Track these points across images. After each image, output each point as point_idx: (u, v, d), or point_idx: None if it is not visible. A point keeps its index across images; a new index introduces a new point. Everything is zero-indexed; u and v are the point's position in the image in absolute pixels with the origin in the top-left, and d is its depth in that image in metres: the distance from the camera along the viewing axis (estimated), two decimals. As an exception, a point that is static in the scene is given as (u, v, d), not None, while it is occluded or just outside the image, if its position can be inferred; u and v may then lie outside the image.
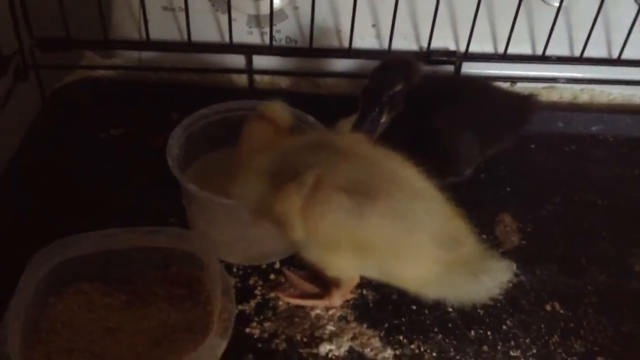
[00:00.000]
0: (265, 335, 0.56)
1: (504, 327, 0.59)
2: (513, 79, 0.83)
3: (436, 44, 0.80)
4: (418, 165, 0.52)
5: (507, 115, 0.71)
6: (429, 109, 0.68)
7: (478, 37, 0.79)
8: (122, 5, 0.79)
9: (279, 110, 0.59)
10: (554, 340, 0.58)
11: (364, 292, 0.60)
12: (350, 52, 0.79)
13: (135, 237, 0.56)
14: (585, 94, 0.85)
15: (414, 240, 0.49)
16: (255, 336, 0.56)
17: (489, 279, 0.50)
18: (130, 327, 0.53)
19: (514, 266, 0.56)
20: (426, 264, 0.49)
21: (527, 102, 0.72)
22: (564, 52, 0.83)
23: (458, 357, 0.56)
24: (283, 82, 0.83)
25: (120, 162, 0.72)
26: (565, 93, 0.85)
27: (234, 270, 0.61)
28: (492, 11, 0.81)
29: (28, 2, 0.74)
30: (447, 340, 0.57)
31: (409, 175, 0.51)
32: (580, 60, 0.81)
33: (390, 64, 0.67)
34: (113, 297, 0.55)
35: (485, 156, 0.71)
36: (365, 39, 0.80)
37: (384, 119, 0.64)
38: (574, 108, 0.84)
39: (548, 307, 0.61)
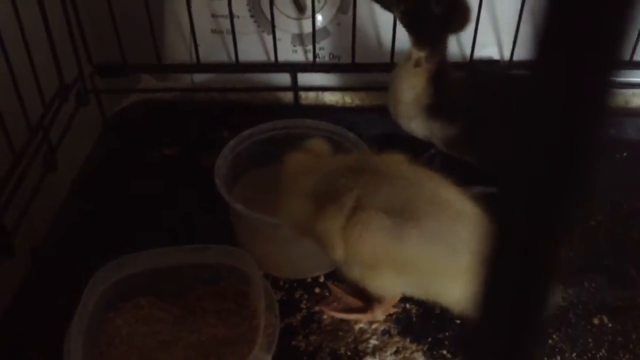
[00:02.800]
0: (311, 348, 0.58)
1: (550, 341, 0.59)
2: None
3: (479, 52, 0.80)
4: (462, 179, 0.53)
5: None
6: (487, 99, 0.67)
7: (522, 42, 0.79)
8: (174, 30, 0.83)
9: (320, 145, 0.60)
10: (601, 354, 0.57)
11: (407, 306, 0.61)
12: (392, 66, 0.80)
13: (186, 254, 0.60)
14: (637, 98, 0.83)
15: (457, 261, 0.49)
16: (301, 349, 0.58)
17: None
18: (182, 341, 0.56)
19: (561, 287, 0.56)
20: (469, 285, 0.50)
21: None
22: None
23: (501, 371, 0.56)
24: (327, 97, 0.85)
25: (173, 180, 0.76)
26: (616, 98, 0.83)
27: (281, 284, 0.64)
28: (536, 16, 0.80)
29: (85, 30, 0.79)
30: (490, 354, 0.58)
31: (450, 196, 0.52)
32: (631, 64, 0.79)
33: None
34: (167, 312, 0.58)
35: None
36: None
37: (416, 56, 0.65)
38: (626, 113, 0.82)
39: (596, 321, 0.60)
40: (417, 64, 0.65)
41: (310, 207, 0.52)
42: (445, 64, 0.67)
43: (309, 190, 0.54)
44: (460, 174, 0.54)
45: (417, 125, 0.68)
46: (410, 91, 0.66)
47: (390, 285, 0.53)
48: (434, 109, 0.66)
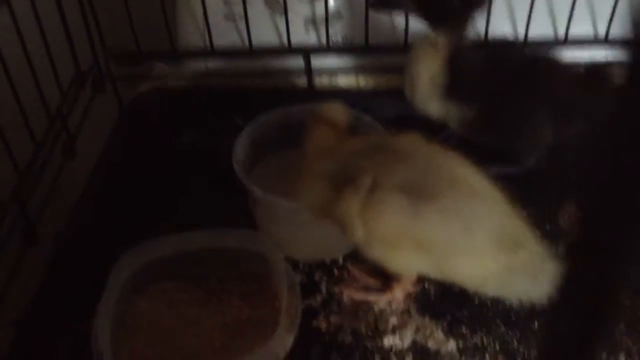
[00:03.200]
0: (332, 328, 0.59)
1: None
2: (576, 64, 0.82)
3: (494, 31, 0.80)
4: (478, 159, 0.53)
5: (584, 97, 0.68)
6: (503, 81, 0.67)
7: (536, 20, 0.78)
8: (187, 17, 0.83)
9: (337, 111, 0.61)
10: (620, 329, 0.58)
11: (426, 285, 0.62)
12: (406, 47, 0.80)
13: (208, 238, 0.61)
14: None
15: (472, 239, 0.50)
16: (322, 329, 0.59)
17: (548, 281, 0.50)
18: (207, 322, 0.57)
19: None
20: (485, 263, 0.51)
21: (603, 81, 0.68)
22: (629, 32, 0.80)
23: (521, 348, 0.57)
24: (341, 81, 0.85)
25: (191, 165, 0.76)
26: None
27: (300, 266, 0.65)
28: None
29: (99, 17, 0.80)
30: (510, 333, 0.58)
31: (467, 175, 0.53)
32: None
33: None
34: (191, 295, 0.59)
35: (556, 143, 0.70)
36: (420, 35, 0.81)
37: (433, 38, 0.65)
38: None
39: (615, 298, 0.60)
40: (434, 45, 0.65)
41: (329, 189, 0.53)
42: (463, 44, 0.66)
43: (327, 172, 0.54)
44: (476, 153, 0.55)
45: (433, 106, 0.68)
46: (426, 72, 0.67)
47: (409, 264, 0.53)
48: (451, 89, 0.66)
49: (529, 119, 0.67)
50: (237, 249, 0.61)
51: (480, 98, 0.67)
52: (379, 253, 0.53)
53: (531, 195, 0.54)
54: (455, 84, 0.66)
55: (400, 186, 0.50)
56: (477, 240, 0.50)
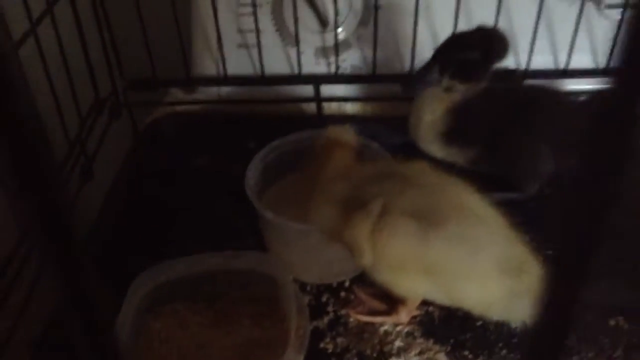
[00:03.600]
0: (338, 350, 0.61)
1: (569, 342, 0.61)
2: (577, 94, 0.84)
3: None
4: (483, 186, 0.56)
5: (583, 127, 0.71)
6: (504, 115, 0.69)
7: (538, 52, 0.81)
8: (201, 45, 0.87)
9: (345, 134, 0.63)
10: (617, 354, 0.60)
11: (430, 308, 0.64)
12: (411, 77, 0.83)
13: (220, 260, 0.63)
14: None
15: (477, 264, 0.52)
16: (329, 351, 0.61)
17: None
18: (218, 343, 0.59)
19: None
20: (490, 287, 0.53)
21: None
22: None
23: (522, 371, 0.59)
24: (349, 108, 0.88)
25: (204, 189, 0.79)
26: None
27: (308, 288, 0.67)
28: (552, 26, 0.83)
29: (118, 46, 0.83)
30: (512, 356, 0.60)
31: (472, 202, 0.55)
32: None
33: (476, 31, 0.66)
34: (203, 316, 0.62)
35: (557, 171, 0.72)
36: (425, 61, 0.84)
37: (447, 86, 0.65)
38: (641, 119, 0.84)
39: (612, 322, 0.62)
40: (448, 89, 0.67)
41: (339, 213, 0.55)
42: (472, 94, 0.67)
43: (338, 197, 0.57)
44: (479, 181, 0.57)
45: (435, 148, 0.70)
46: (429, 115, 0.69)
47: (415, 287, 0.55)
48: (451, 136, 0.69)
49: (530, 151, 0.69)
50: (248, 271, 0.63)
51: (481, 138, 0.69)
52: (386, 276, 0.55)
53: (533, 221, 0.56)
54: (456, 131, 0.68)
55: (408, 212, 0.53)
56: (481, 265, 0.52)
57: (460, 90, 0.67)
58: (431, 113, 0.69)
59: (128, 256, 0.70)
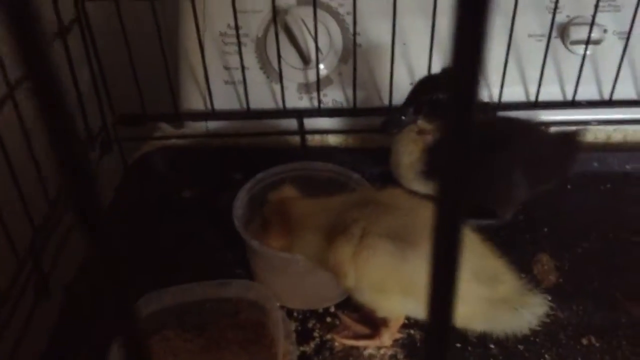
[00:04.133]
0: (324, 373, 0.64)
1: None
2: (546, 124, 0.89)
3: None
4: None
5: (554, 155, 0.75)
6: (479, 146, 0.73)
7: (509, 85, 0.86)
8: (189, 81, 0.90)
9: (289, 192, 0.67)
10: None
11: (412, 331, 0.67)
12: (390, 110, 0.87)
13: (208, 289, 0.65)
14: (618, 134, 0.90)
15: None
16: (316, 374, 0.63)
17: (529, 312, 0.56)
18: (208, 369, 0.61)
19: (549, 299, 0.61)
20: (469, 300, 0.56)
21: (573, 141, 0.75)
22: (594, 95, 0.88)
23: (501, 389, 0.62)
24: (331, 140, 0.92)
25: (192, 221, 0.82)
26: (598, 134, 0.90)
27: (295, 314, 0.69)
28: (521, 61, 0.88)
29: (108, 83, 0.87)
30: (490, 375, 0.63)
31: None
32: (610, 103, 0.86)
33: (441, 71, 0.71)
34: (193, 343, 0.64)
35: (529, 198, 0.76)
36: (404, 97, 0.88)
37: (421, 127, 0.68)
38: (608, 148, 0.89)
39: (584, 341, 0.65)
40: (421, 132, 0.71)
41: (322, 240, 0.59)
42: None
43: (321, 224, 0.60)
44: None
45: (417, 186, 0.74)
46: (407, 157, 0.73)
47: (397, 306, 0.58)
48: (429, 173, 0.72)
49: (505, 180, 0.73)
50: (236, 299, 0.65)
51: None
52: (368, 297, 0.58)
53: (507, 246, 0.59)
54: (434, 168, 0.72)
55: (386, 233, 0.56)
56: (459, 280, 0.55)
57: (433, 131, 0.71)
58: (408, 155, 0.73)
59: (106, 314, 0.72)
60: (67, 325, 0.69)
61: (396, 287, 0.56)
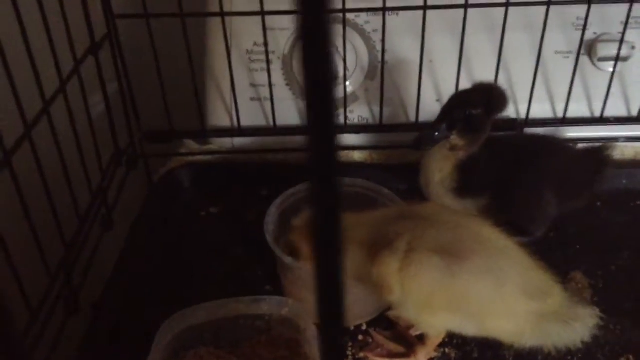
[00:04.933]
0: (359, 391, 0.63)
1: None
2: (574, 141, 0.88)
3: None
4: (496, 225, 0.59)
5: (583, 173, 0.75)
6: (509, 163, 0.72)
7: (537, 102, 0.86)
8: (216, 98, 0.91)
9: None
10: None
11: (447, 350, 0.66)
12: (417, 126, 0.87)
13: (242, 306, 0.65)
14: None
15: (504, 293, 0.54)
16: (350, 393, 0.63)
17: (580, 324, 0.55)
18: (242, 386, 0.60)
19: (597, 311, 0.60)
20: (518, 315, 0.55)
21: (601, 157, 0.75)
22: (622, 112, 0.87)
23: (539, 409, 0.60)
24: (357, 156, 0.92)
25: (220, 236, 0.82)
26: (626, 151, 0.89)
27: (327, 332, 0.68)
28: (549, 78, 0.88)
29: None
30: (528, 394, 0.62)
31: (491, 235, 0.58)
32: (638, 120, 0.86)
33: (476, 87, 0.70)
34: (225, 360, 0.63)
35: (559, 215, 0.75)
36: (430, 113, 0.88)
37: (454, 143, 0.68)
38: (637, 164, 0.88)
39: (623, 360, 0.64)
40: (453, 148, 0.70)
41: (364, 254, 0.58)
42: (476, 149, 0.71)
43: (361, 239, 0.59)
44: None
45: (448, 203, 0.73)
46: (437, 173, 0.72)
47: (442, 323, 0.58)
48: (461, 190, 0.72)
49: (537, 197, 0.73)
50: (269, 315, 0.65)
51: (489, 188, 0.72)
52: (414, 312, 0.57)
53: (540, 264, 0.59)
54: (465, 185, 0.72)
55: (433, 248, 0.55)
56: (508, 294, 0.54)
57: (465, 147, 0.70)
58: (439, 172, 0.72)
59: (149, 305, 0.72)
60: (95, 342, 0.68)
61: (444, 303, 0.55)
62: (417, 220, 0.58)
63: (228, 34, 0.87)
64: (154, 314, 0.65)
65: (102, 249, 0.77)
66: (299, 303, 0.65)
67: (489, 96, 0.68)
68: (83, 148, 0.74)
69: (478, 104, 0.67)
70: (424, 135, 0.68)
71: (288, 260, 0.66)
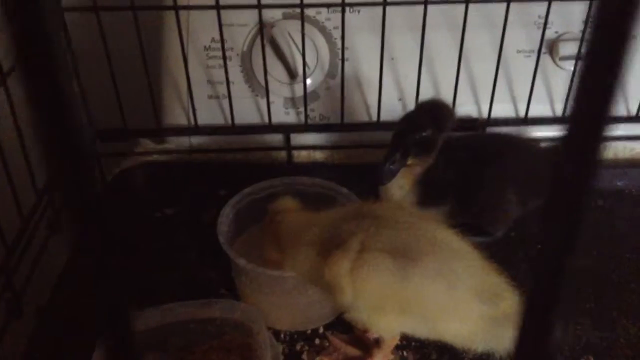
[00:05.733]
0: (314, 397, 0.60)
1: None
2: (536, 140, 0.88)
3: (459, 111, 0.86)
4: (453, 226, 0.57)
5: (545, 171, 0.73)
6: (470, 164, 0.72)
7: (498, 101, 0.85)
8: (172, 96, 0.88)
9: (289, 203, 0.65)
10: None
11: (404, 353, 0.64)
12: (379, 125, 0.86)
13: (192, 309, 0.62)
14: (609, 151, 0.89)
15: (456, 297, 0.53)
16: (305, 399, 0.60)
17: None
18: (190, 394, 0.58)
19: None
20: (471, 319, 0.53)
21: None
22: (583, 112, 0.87)
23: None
24: (318, 155, 0.90)
25: (174, 238, 0.79)
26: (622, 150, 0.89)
27: (282, 336, 0.66)
28: (510, 77, 0.87)
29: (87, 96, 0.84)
30: (485, 397, 0.60)
31: (446, 237, 0.56)
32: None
33: (420, 108, 0.70)
34: (174, 367, 0.60)
35: (521, 215, 0.74)
36: (392, 112, 0.87)
37: (410, 163, 0.67)
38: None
39: (583, 361, 0.63)
40: (409, 165, 0.69)
41: (316, 255, 0.56)
42: (432, 163, 0.70)
43: (314, 239, 0.57)
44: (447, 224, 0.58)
45: None
46: (398, 191, 0.71)
47: (395, 325, 0.56)
48: (423, 202, 0.71)
49: (497, 197, 0.72)
50: (220, 319, 0.62)
51: (451, 193, 0.71)
52: (365, 315, 0.55)
53: (499, 264, 0.57)
54: (427, 196, 0.71)
55: (387, 249, 0.53)
56: (461, 297, 0.53)
57: (421, 164, 0.69)
58: (400, 189, 0.71)
59: (96, 308, 0.68)
60: (38, 347, 0.65)
61: (396, 306, 0.53)
62: (372, 219, 0.56)
63: (185, 30, 0.85)
64: (103, 319, 0.61)
65: (53, 250, 0.74)
66: (251, 306, 0.63)
67: (435, 114, 0.67)
68: (27, 147, 0.70)
69: (426, 125, 0.66)
70: (383, 170, 0.67)
71: (241, 262, 0.63)
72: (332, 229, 0.57)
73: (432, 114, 0.68)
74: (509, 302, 0.53)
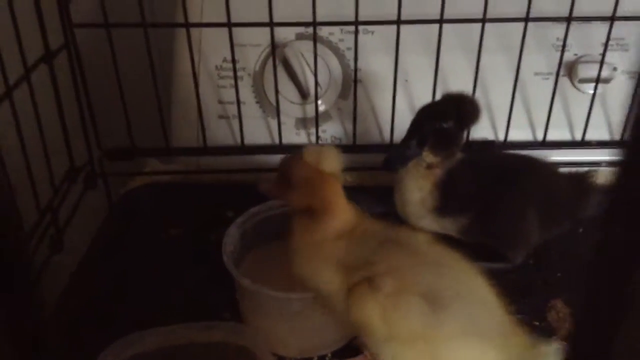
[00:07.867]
0: None
1: None
2: (555, 164, 0.85)
3: (475, 134, 0.83)
4: (469, 246, 0.54)
5: (567, 198, 0.70)
6: (493, 182, 0.68)
7: (515, 124, 0.82)
8: (182, 115, 0.87)
9: (329, 157, 0.58)
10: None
11: (416, 383, 0.61)
12: (391, 147, 0.84)
13: (194, 332, 0.59)
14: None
15: (477, 339, 0.50)
16: None
17: None
18: (189, 421, 0.54)
19: (565, 345, 0.55)
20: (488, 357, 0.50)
21: (585, 182, 0.71)
22: (603, 135, 0.84)
23: None
24: (330, 177, 0.87)
25: (180, 259, 0.76)
26: (609, 176, 0.85)
27: (287, 363, 0.63)
28: (528, 99, 0.85)
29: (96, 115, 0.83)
30: None
31: (477, 284, 0.53)
32: (621, 144, 0.82)
33: (446, 99, 0.66)
34: (173, 392, 0.57)
35: (541, 241, 0.71)
36: (405, 133, 0.85)
37: (427, 158, 0.64)
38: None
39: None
40: (429, 166, 0.66)
41: (341, 281, 0.53)
42: (454, 165, 0.67)
43: (339, 259, 0.54)
44: (465, 249, 0.55)
45: (427, 223, 0.69)
46: (417, 193, 0.67)
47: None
48: (442, 209, 0.67)
49: (519, 217, 0.68)
50: (223, 343, 0.59)
51: (471, 208, 0.67)
52: (392, 353, 0.52)
53: (518, 291, 0.54)
54: (447, 203, 0.67)
55: (422, 292, 0.50)
56: (481, 339, 0.50)
57: (441, 164, 0.66)
58: (419, 191, 0.68)
59: (100, 329, 0.66)
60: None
61: (425, 348, 0.50)
62: (404, 251, 0.53)
63: (198, 49, 0.84)
64: (105, 339, 0.59)
65: (52, 270, 0.72)
66: (255, 330, 0.60)
67: (459, 107, 0.63)
68: (33, 162, 0.69)
69: (449, 117, 0.62)
70: (393, 154, 0.64)
71: (245, 282, 0.61)
72: (360, 254, 0.53)
73: (456, 106, 0.63)
74: (519, 338, 0.50)
